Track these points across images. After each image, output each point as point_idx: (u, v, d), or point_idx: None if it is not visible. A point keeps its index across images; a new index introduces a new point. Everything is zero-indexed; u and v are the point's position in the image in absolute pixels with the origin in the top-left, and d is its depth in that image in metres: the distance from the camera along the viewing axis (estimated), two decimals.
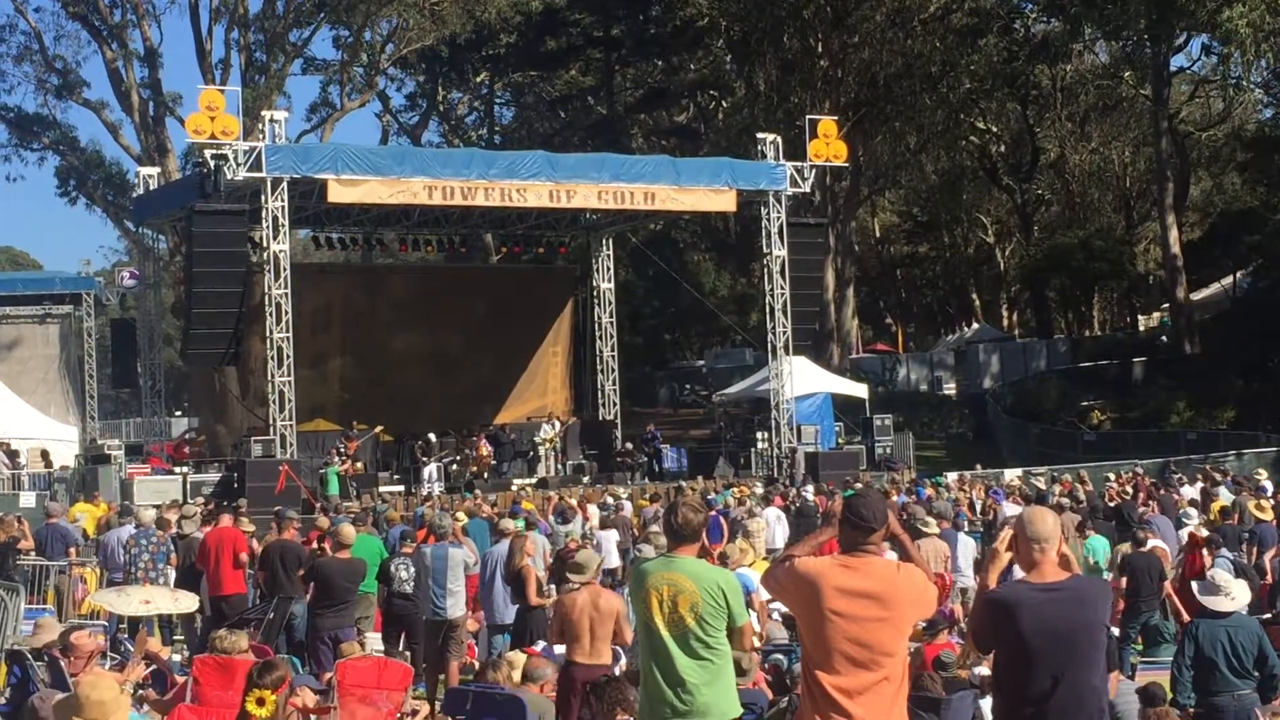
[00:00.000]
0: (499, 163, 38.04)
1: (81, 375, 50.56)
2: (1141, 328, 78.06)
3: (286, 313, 35.17)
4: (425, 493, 35.45)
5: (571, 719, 11.93)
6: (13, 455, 38.66)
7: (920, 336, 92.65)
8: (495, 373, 45.41)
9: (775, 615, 16.46)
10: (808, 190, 41.40)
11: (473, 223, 44.85)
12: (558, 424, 42.35)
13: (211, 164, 34.31)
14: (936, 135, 66.19)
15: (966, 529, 23.73)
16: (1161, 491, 29.93)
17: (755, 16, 61.96)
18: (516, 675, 12.42)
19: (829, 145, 41.07)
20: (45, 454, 39.35)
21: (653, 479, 40.42)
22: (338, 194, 35.53)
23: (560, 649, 12.81)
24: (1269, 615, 16.81)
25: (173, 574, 20.07)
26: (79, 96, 68.31)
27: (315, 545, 17.95)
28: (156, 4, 67.03)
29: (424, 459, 38.45)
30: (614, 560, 23.73)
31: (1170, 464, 39.13)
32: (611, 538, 24.21)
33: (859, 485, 29.30)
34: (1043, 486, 31.12)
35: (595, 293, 46.21)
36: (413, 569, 16.80)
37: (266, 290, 35.34)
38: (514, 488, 37.22)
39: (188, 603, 17.81)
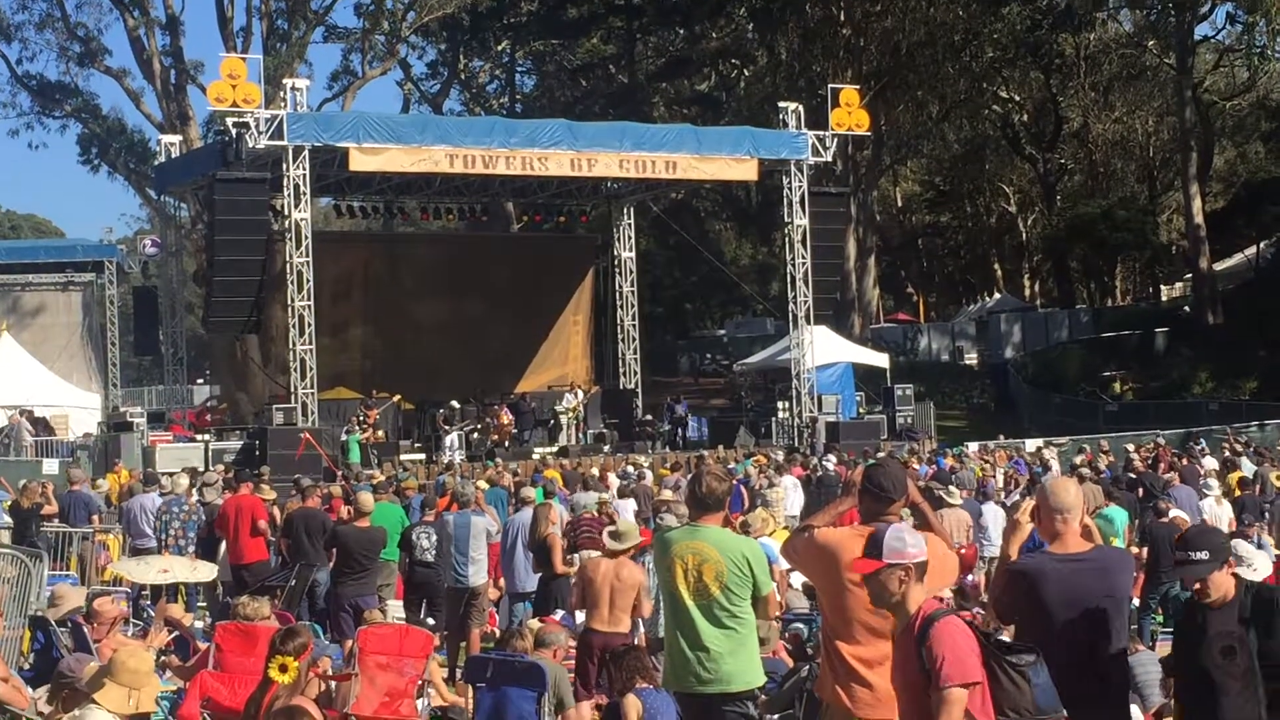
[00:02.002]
0: (520, 131, 37.99)
1: (104, 343, 50.71)
2: (1164, 298, 77.81)
3: (308, 281, 35.22)
4: (446, 461, 35.53)
5: (589, 685, 11.99)
6: (36, 422, 38.81)
7: (942, 306, 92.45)
8: (516, 341, 45.43)
9: (795, 585, 16.49)
10: (829, 159, 41.32)
11: (494, 191, 44.82)
12: (580, 393, 42.42)
13: (233, 132, 34.37)
14: (959, 104, 65.88)
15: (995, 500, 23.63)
16: (1183, 462, 29.89)
17: None
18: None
19: (851, 114, 40.98)
20: (48, 424, 39.42)
21: (674, 448, 40.48)
22: (359, 162, 35.55)
23: (580, 616, 12.85)
24: None
25: None
26: (101, 64, 68.44)
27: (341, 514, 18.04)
28: None
29: (445, 427, 38.51)
30: None
31: (1194, 435, 39.06)
32: (629, 507, 24.24)
33: (880, 455, 29.33)
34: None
35: (616, 262, 46.17)
36: (434, 537, 16.86)
37: (288, 258, 35.40)
38: (535, 456, 37.31)
39: (205, 572, 17.89)
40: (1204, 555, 6.92)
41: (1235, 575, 7.06)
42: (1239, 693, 6.82)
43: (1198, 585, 6.96)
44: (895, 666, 6.58)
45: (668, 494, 21.07)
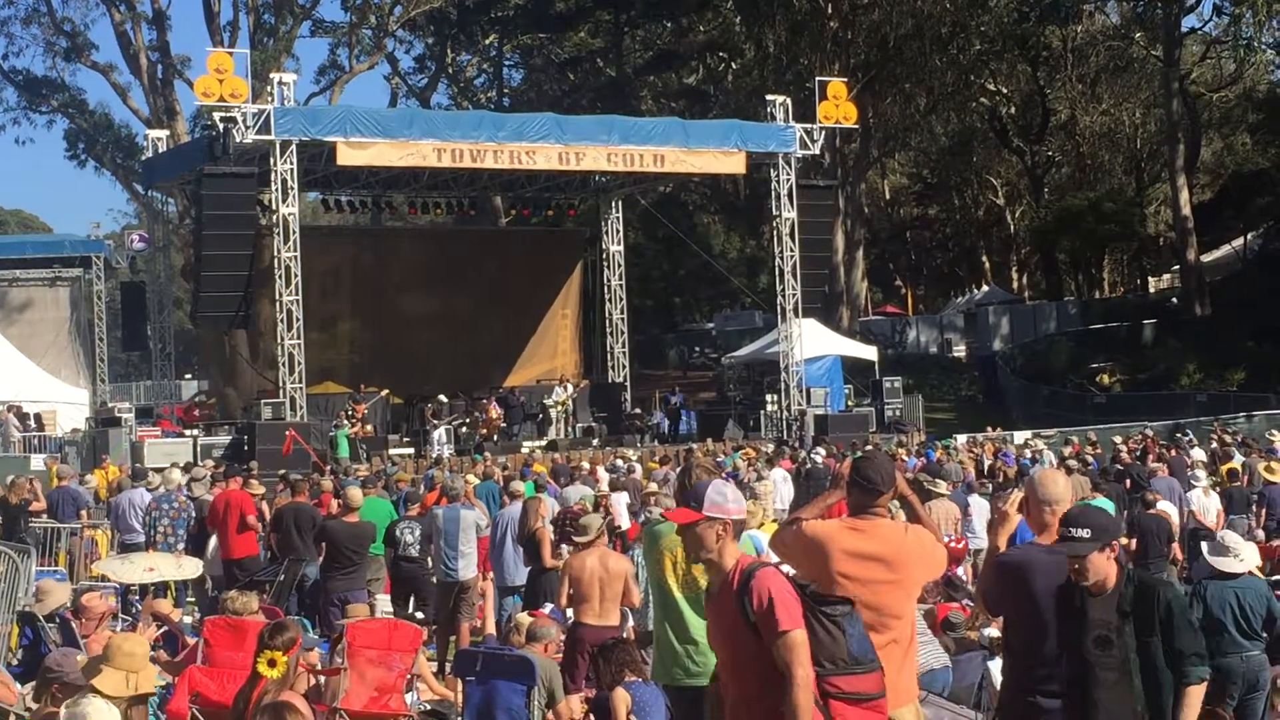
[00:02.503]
0: (508, 125, 37.99)
1: (91, 338, 50.62)
2: (1152, 289, 77.93)
3: (296, 275, 35.20)
4: (435, 455, 35.51)
5: (578, 679, 11.99)
6: (24, 418, 38.75)
7: (930, 299, 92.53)
8: (505, 335, 45.43)
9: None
10: (817, 152, 41.39)
11: (482, 185, 44.76)
12: (570, 386, 42.42)
13: (220, 126, 34.33)
14: (946, 97, 65.88)
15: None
16: (1171, 453, 29.93)
17: None
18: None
19: (838, 107, 40.98)
20: (38, 418, 39.39)
21: (663, 442, 40.50)
22: (347, 156, 35.50)
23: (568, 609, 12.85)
24: (1278, 577, 16.80)
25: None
26: (87, 59, 68.29)
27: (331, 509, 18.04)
28: None
29: (433, 421, 38.49)
30: (625, 522, 23.74)
31: (1182, 426, 39.14)
32: (621, 500, 24.21)
33: (868, 448, 29.35)
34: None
35: (604, 255, 46.17)
36: (418, 532, 16.88)
37: (276, 253, 35.36)
38: (524, 450, 37.31)
39: (191, 568, 17.87)
40: (1085, 533, 6.79)
41: (1118, 563, 6.91)
42: (1113, 684, 6.75)
43: (1075, 565, 6.79)
44: (712, 622, 6.63)
45: (654, 486, 21.06)
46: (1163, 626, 6.80)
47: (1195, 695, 6.80)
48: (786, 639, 6.16)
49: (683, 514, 6.54)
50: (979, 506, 20.58)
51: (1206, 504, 20.61)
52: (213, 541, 19.02)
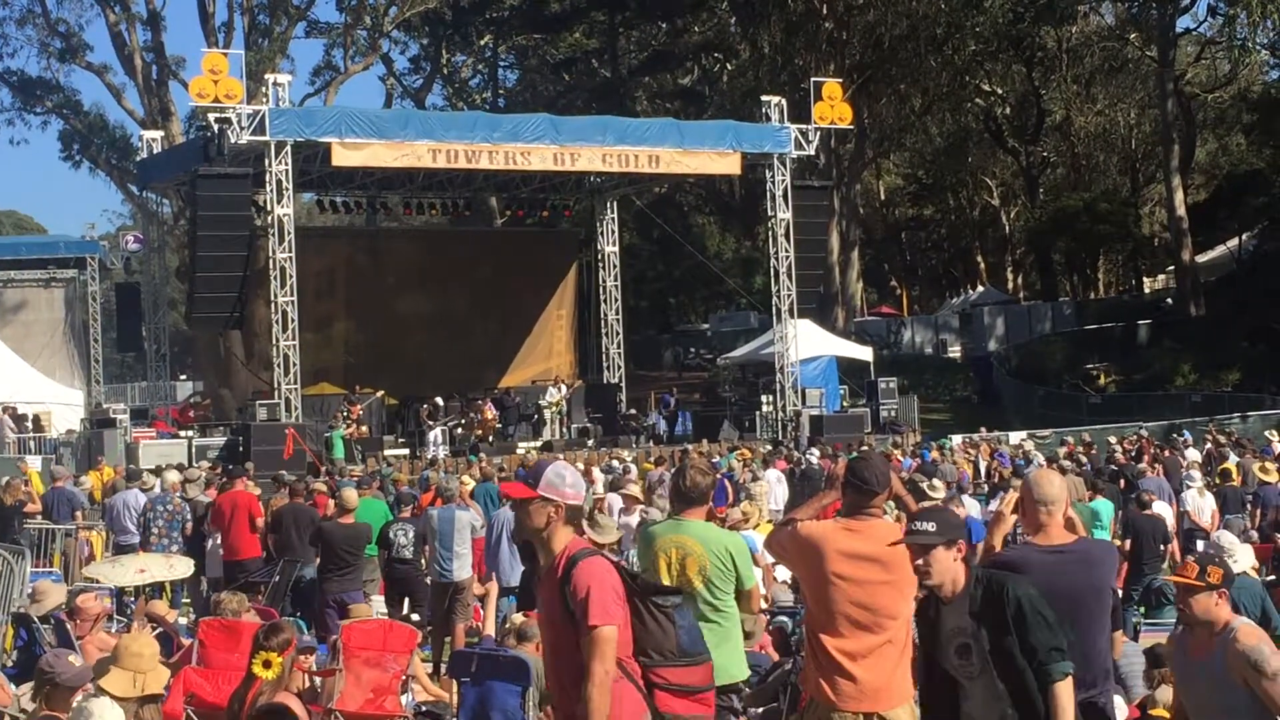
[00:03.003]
0: (503, 126, 38.01)
1: (86, 339, 50.57)
2: (1147, 290, 77.97)
3: (291, 276, 35.18)
4: (430, 456, 35.50)
5: None
6: (19, 419, 38.72)
7: (925, 299, 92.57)
8: (500, 336, 45.43)
9: (782, 578, 16.47)
10: (812, 153, 41.39)
11: (477, 186, 44.77)
12: (564, 387, 42.42)
13: (215, 127, 34.30)
14: (941, 97, 65.85)
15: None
16: (1166, 454, 29.96)
17: None
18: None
19: (833, 108, 41.00)
20: (35, 419, 39.36)
21: (658, 443, 40.50)
22: (342, 157, 35.50)
23: None
24: (1273, 577, 16.83)
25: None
26: (82, 60, 68.14)
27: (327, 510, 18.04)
28: None
29: (429, 422, 38.48)
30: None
31: (1177, 426, 39.17)
32: (617, 501, 24.19)
33: (863, 448, 29.35)
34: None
35: (600, 256, 46.18)
36: (411, 533, 16.89)
37: (271, 254, 35.34)
38: (519, 451, 37.30)
39: (182, 568, 17.85)
40: (930, 527, 6.60)
41: (967, 565, 6.68)
42: (980, 694, 6.47)
43: (920, 561, 6.60)
44: (540, 604, 6.62)
45: (635, 489, 20.87)
46: (1015, 624, 6.47)
47: (1063, 692, 6.43)
48: (593, 634, 6.09)
49: (516, 488, 6.47)
50: (971, 509, 20.58)
51: (1201, 504, 20.64)
52: (210, 543, 19.01)
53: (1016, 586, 6.57)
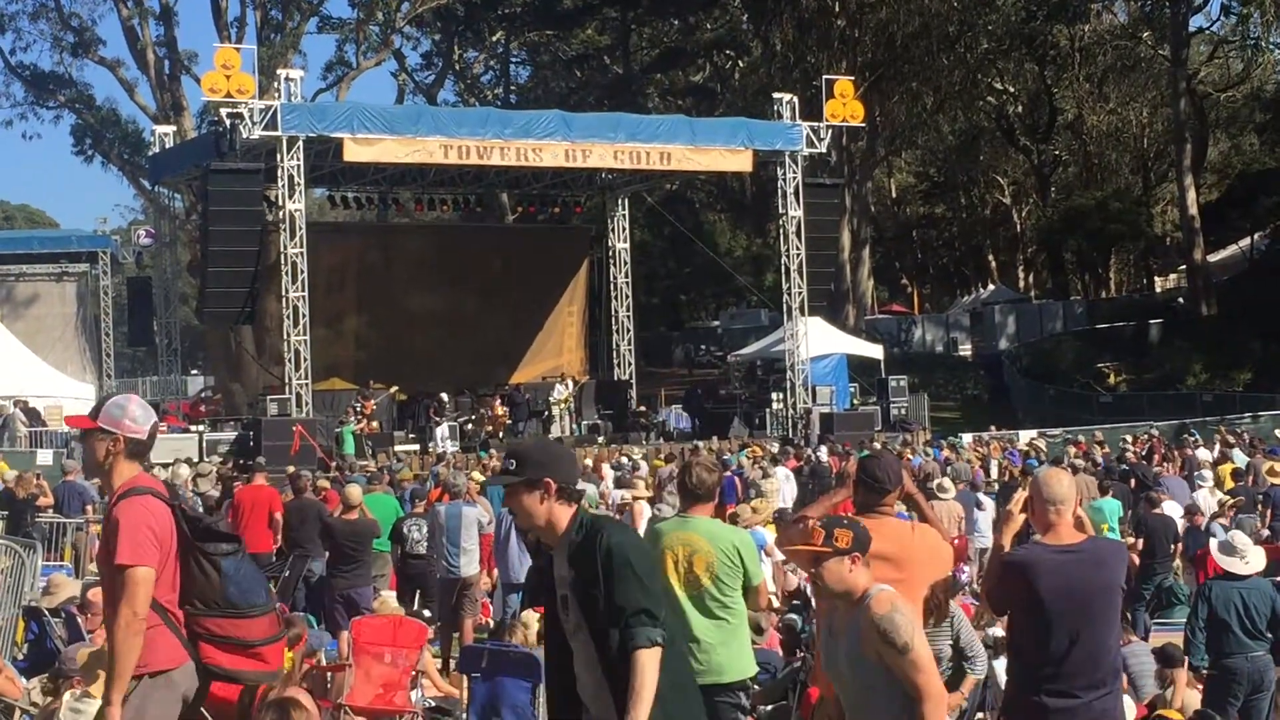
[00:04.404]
0: (515, 122, 38.01)
1: (98, 333, 50.68)
2: (1158, 289, 77.84)
3: (302, 272, 35.22)
4: (439, 452, 35.52)
5: None
6: (30, 413, 38.76)
7: (936, 297, 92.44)
8: (510, 332, 45.43)
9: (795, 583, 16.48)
10: (824, 150, 41.33)
11: (488, 182, 44.79)
12: (572, 384, 42.43)
13: (227, 122, 34.36)
14: (953, 95, 65.82)
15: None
16: (1176, 453, 29.89)
17: None
18: (532, 635, 12.44)
19: (845, 105, 40.99)
20: (41, 414, 39.38)
21: (668, 439, 40.51)
22: (353, 153, 35.53)
23: None
24: None
25: None
26: (95, 54, 68.19)
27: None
28: None
29: (438, 419, 38.50)
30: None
31: (1188, 426, 39.10)
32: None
33: (874, 445, 29.34)
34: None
35: (611, 253, 46.18)
36: (425, 528, 16.87)
37: (282, 249, 35.39)
38: None
39: None
40: (510, 464, 5.89)
41: (571, 509, 5.84)
42: (581, 652, 5.81)
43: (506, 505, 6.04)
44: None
45: (642, 487, 20.84)
46: (604, 577, 5.63)
47: (645, 662, 5.57)
48: (123, 575, 6.01)
49: (77, 420, 6.47)
50: (985, 506, 20.61)
51: (1213, 504, 20.60)
52: None
53: (614, 533, 5.78)
